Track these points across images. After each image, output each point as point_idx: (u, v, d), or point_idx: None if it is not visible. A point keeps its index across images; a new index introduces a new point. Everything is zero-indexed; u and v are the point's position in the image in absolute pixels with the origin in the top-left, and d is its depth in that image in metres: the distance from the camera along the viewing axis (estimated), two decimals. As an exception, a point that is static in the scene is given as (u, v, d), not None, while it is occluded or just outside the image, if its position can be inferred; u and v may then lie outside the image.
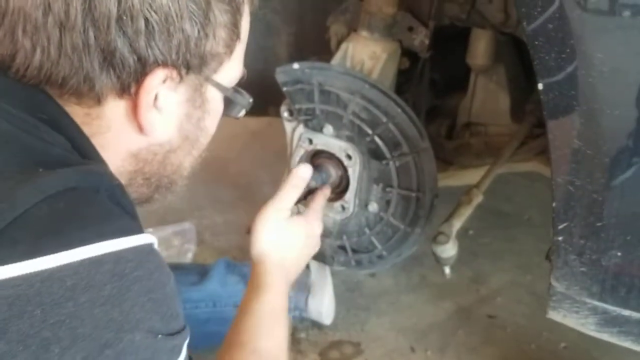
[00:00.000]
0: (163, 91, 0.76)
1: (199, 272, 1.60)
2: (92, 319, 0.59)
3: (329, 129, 1.39)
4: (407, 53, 1.53)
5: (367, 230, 1.47)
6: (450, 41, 1.64)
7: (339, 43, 1.54)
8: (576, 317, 1.10)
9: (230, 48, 0.80)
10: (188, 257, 1.94)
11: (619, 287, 1.03)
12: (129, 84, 0.73)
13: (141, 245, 0.66)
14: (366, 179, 1.41)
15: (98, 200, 0.67)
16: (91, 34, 0.69)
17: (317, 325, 1.67)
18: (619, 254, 1.00)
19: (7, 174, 0.63)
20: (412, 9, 1.49)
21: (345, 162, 1.40)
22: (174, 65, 0.74)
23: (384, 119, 1.33)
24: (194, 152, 0.86)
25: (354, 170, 1.40)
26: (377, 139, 1.35)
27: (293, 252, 1.12)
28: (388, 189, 1.40)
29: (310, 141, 1.43)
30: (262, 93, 1.69)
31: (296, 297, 1.61)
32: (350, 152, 1.39)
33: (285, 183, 1.18)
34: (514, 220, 2.14)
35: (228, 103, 0.86)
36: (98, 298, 0.59)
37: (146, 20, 0.70)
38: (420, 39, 1.46)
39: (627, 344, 1.09)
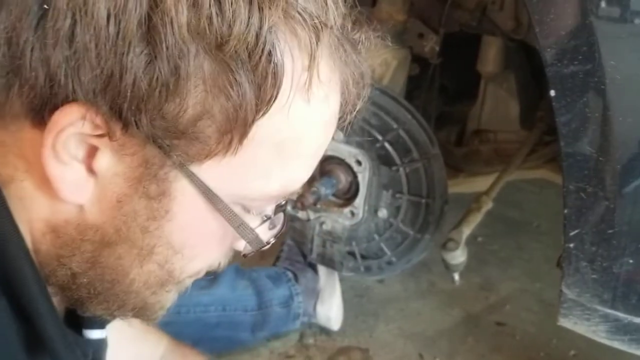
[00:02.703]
0: (103, 147, 0.52)
1: (208, 276, 1.60)
2: None
3: (339, 134, 1.40)
4: (418, 59, 1.53)
5: (376, 237, 1.47)
6: (460, 48, 1.64)
7: (350, 50, 1.54)
8: (587, 324, 1.09)
9: (231, 142, 0.52)
10: (197, 262, 1.94)
11: (630, 294, 1.03)
12: (40, 109, 0.52)
13: None
14: (376, 185, 1.41)
15: None
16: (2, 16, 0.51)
17: (325, 331, 1.67)
18: (631, 261, 1.00)
19: None
20: (423, 16, 1.50)
21: (355, 168, 1.40)
22: (101, 110, 0.50)
23: (394, 125, 1.33)
24: (149, 266, 0.58)
25: (364, 176, 1.40)
26: (387, 145, 1.35)
27: None
28: (398, 195, 1.40)
29: (321, 147, 1.43)
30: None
31: (305, 303, 1.61)
32: (360, 158, 1.39)
33: None
34: (523, 228, 2.13)
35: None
36: None
37: (74, 22, 0.48)
38: (431, 45, 1.46)
39: (638, 352, 1.09)
